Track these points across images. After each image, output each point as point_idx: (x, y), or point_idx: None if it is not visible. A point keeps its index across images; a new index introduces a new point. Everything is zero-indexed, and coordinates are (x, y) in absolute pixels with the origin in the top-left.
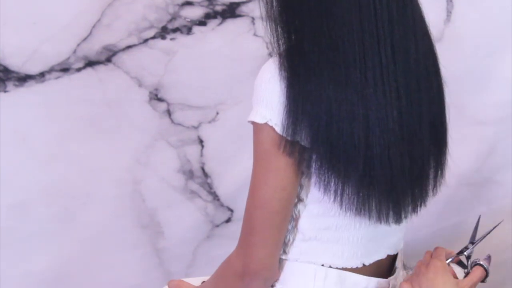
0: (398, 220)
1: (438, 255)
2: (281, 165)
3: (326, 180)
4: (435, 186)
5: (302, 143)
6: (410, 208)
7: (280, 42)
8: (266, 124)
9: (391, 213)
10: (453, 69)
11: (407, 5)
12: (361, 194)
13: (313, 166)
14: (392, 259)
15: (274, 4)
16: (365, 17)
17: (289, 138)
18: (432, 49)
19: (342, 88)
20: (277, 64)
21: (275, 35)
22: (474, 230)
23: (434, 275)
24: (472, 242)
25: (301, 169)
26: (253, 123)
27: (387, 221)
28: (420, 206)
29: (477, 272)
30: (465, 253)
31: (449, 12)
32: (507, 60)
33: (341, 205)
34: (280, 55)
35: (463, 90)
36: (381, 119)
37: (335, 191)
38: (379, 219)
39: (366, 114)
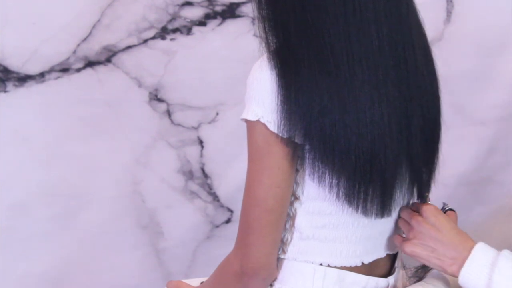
0: (388, 213)
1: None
2: (275, 163)
3: (321, 171)
4: (427, 183)
5: (295, 140)
6: (403, 201)
7: (270, 40)
8: (258, 121)
9: (381, 205)
10: (453, 69)
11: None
12: (353, 185)
13: (307, 157)
14: (392, 258)
15: (263, 1)
16: (349, 10)
17: (281, 134)
18: (425, 44)
19: (333, 80)
20: (268, 62)
21: (264, 33)
22: None
23: (435, 219)
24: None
25: (295, 166)
26: (246, 121)
27: (379, 214)
28: (414, 200)
29: (453, 216)
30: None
31: (449, 12)
32: (507, 60)
33: (337, 196)
34: (271, 53)
35: (463, 90)
36: (370, 112)
37: (330, 183)
38: (371, 211)
39: (356, 106)
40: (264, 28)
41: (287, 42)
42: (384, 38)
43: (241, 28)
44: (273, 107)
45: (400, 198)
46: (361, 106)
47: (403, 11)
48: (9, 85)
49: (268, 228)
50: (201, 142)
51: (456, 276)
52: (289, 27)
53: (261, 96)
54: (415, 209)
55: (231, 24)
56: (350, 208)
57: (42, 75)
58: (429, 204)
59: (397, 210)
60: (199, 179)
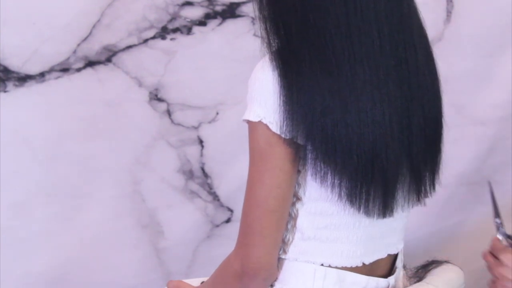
0: (390, 213)
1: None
2: (277, 164)
3: (323, 171)
4: (431, 182)
5: (297, 140)
6: (404, 201)
7: (272, 41)
8: (260, 122)
9: (383, 205)
10: (453, 69)
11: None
12: (355, 185)
13: (309, 157)
14: (393, 259)
15: (264, 2)
16: (350, 10)
17: (283, 135)
18: (426, 43)
19: (334, 79)
20: (270, 62)
21: (266, 33)
22: (493, 202)
23: None
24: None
25: (297, 167)
26: (248, 121)
27: (380, 214)
28: (417, 200)
29: None
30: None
31: (449, 12)
32: (507, 60)
33: (339, 196)
34: (272, 53)
35: (463, 90)
36: (371, 111)
37: (332, 183)
38: (373, 211)
39: (357, 106)
40: (266, 28)
41: (289, 42)
42: (385, 38)
43: (241, 28)
44: (275, 108)
45: (402, 199)
46: (363, 106)
47: (404, 11)
48: (9, 85)
49: (269, 229)
50: (201, 142)
51: None
52: (291, 27)
53: (263, 96)
54: (496, 250)
55: (231, 24)
56: (352, 209)
57: (42, 75)
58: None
59: (399, 210)
60: (199, 179)
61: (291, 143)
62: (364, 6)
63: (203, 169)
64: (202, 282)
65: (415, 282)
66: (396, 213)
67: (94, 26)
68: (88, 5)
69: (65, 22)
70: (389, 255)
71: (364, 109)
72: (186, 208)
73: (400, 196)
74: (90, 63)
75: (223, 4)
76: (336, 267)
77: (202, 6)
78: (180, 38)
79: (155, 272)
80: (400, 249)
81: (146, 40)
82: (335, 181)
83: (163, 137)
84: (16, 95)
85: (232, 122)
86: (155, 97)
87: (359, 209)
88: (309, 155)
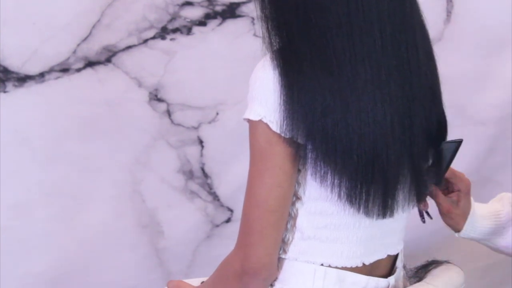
0: (390, 214)
1: None
2: (277, 163)
3: (323, 171)
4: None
5: (297, 139)
6: (405, 202)
7: (273, 40)
8: (260, 121)
9: (383, 205)
10: (453, 69)
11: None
12: (355, 185)
13: (309, 156)
14: (393, 259)
15: (266, 1)
16: (352, 10)
17: (283, 134)
18: (427, 44)
19: (335, 79)
20: (271, 61)
21: (267, 33)
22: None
23: None
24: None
25: (297, 166)
26: (248, 120)
27: (380, 214)
28: (417, 200)
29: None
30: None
31: (449, 12)
32: (507, 60)
33: (339, 196)
34: (273, 52)
35: (463, 90)
36: (372, 111)
37: (332, 183)
38: (373, 212)
39: (358, 106)
40: (267, 28)
41: (290, 41)
42: (387, 37)
43: (241, 28)
44: (275, 107)
45: (402, 199)
46: (364, 106)
47: (407, 11)
48: (9, 85)
49: (269, 229)
50: (201, 142)
51: None
52: (292, 26)
53: (264, 95)
54: None
55: (231, 24)
56: (352, 209)
57: (42, 75)
58: None
59: (399, 211)
60: (199, 179)
61: (291, 142)
62: (366, 6)
63: (203, 169)
64: (202, 282)
65: (415, 282)
66: (397, 214)
67: (94, 26)
68: (88, 5)
69: (65, 22)
70: (389, 255)
71: (365, 109)
72: (186, 208)
73: (400, 197)
74: (90, 63)
75: (223, 4)
76: (336, 267)
77: (202, 6)
78: (180, 38)
79: (155, 272)
80: (400, 250)
81: (146, 40)
82: (335, 180)
83: (163, 137)
84: (16, 96)
85: (232, 122)
86: (155, 97)
87: (359, 209)
88: (309, 155)
